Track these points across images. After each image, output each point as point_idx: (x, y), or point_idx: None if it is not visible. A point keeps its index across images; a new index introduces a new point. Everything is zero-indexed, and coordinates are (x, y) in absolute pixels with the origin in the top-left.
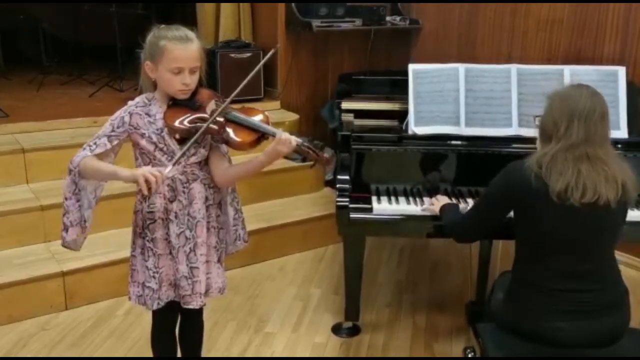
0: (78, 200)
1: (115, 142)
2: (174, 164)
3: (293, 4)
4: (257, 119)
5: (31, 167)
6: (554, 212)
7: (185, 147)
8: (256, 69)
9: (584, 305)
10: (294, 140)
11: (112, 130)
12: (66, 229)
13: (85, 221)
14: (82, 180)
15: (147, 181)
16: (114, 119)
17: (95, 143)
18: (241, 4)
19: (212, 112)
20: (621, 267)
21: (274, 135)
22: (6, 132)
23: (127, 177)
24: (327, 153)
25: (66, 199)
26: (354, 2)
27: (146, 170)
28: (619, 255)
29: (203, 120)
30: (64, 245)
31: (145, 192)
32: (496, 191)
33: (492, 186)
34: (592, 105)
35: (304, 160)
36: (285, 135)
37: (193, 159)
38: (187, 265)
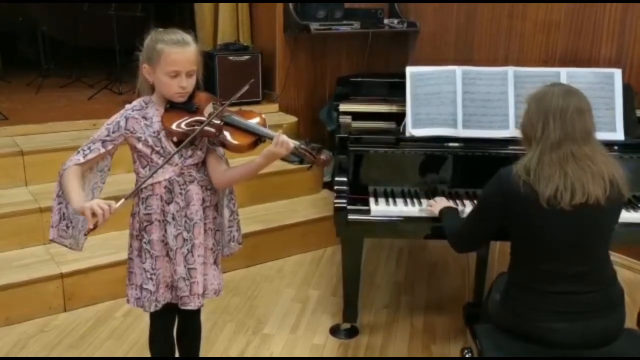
0: (59, 204)
1: (110, 147)
2: (126, 198)
3: (291, 7)
4: (253, 121)
5: (30, 169)
6: (545, 217)
7: (220, 108)
8: (240, 91)
9: (580, 306)
10: (292, 142)
11: (108, 135)
12: (50, 227)
13: (66, 222)
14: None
15: (93, 214)
16: (110, 123)
17: (89, 148)
18: (239, 6)
19: (210, 115)
20: (617, 269)
21: (271, 138)
22: (5, 134)
23: (76, 209)
24: (324, 154)
25: (54, 199)
26: (352, 2)
27: (94, 203)
28: (615, 257)
29: (200, 123)
30: (52, 240)
31: (91, 226)
32: (488, 199)
33: (484, 195)
34: (565, 103)
35: (301, 162)
36: (282, 137)
37: (190, 161)
38: (185, 266)
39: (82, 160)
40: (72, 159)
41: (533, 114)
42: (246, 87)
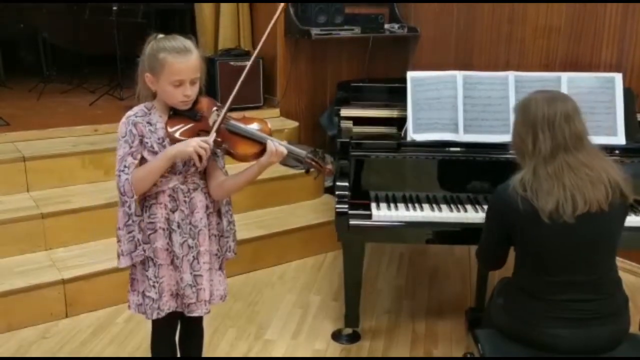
0: (129, 232)
1: (139, 156)
2: (215, 130)
3: (292, 12)
4: (259, 130)
5: (32, 175)
6: (548, 232)
7: (222, 114)
8: (249, 63)
9: (584, 313)
10: (285, 149)
11: (130, 147)
12: (118, 256)
13: (142, 246)
14: (137, 206)
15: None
16: (124, 136)
17: (125, 166)
18: (240, 12)
19: (214, 122)
20: (620, 273)
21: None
22: (7, 140)
23: (181, 157)
24: (329, 163)
25: (119, 228)
26: (352, 4)
27: (195, 145)
28: (617, 261)
29: (205, 129)
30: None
31: (199, 164)
32: (490, 217)
33: (487, 212)
34: (551, 110)
35: (307, 171)
36: (276, 146)
37: (193, 169)
38: (191, 273)
39: (129, 177)
40: (122, 184)
41: (521, 127)
42: (237, 87)
